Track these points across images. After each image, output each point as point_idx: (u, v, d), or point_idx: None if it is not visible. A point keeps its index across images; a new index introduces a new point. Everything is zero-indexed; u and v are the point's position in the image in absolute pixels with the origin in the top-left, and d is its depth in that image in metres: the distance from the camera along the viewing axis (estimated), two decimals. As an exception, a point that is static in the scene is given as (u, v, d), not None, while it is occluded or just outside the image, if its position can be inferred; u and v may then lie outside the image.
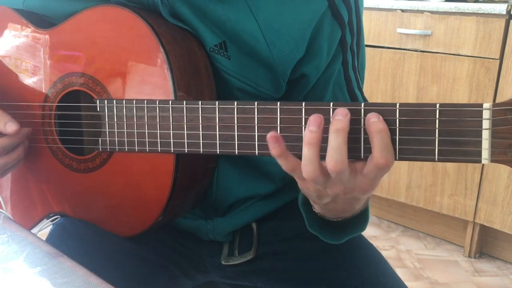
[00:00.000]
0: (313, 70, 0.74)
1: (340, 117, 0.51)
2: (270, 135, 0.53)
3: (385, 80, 2.24)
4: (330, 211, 0.63)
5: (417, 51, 2.12)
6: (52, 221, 0.81)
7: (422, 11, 2.08)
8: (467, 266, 2.10)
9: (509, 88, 1.90)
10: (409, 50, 2.15)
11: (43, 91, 0.75)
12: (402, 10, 2.15)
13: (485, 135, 0.48)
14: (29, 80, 0.76)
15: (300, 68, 0.73)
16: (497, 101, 1.93)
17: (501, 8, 1.85)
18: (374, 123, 0.51)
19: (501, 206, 2.00)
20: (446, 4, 2.01)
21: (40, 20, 0.77)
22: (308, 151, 0.53)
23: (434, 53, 2.07)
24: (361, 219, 0.67)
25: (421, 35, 2.10)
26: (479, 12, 1.92)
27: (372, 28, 2.23)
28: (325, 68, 0.75)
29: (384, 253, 0.78)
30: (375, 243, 2.22)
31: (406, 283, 0.76)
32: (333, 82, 0.77)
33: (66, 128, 0.75)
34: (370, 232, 2.33)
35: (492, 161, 0.49)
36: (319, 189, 0.57)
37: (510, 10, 1.85)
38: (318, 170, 0.53)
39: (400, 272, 2.03)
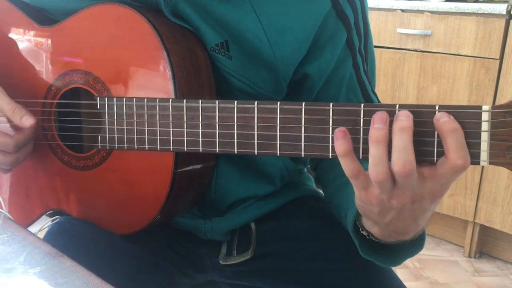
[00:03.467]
0: (316, 70, 0.73)
1: (403, 118, 0.49)
2: (338, 129, 0.50)
3: (385, 80, 2.24)
4: (391, 233, 0.58)
5: (417, 51, 2.12)
6: (53, 220, 0.81)
7: (422, 11, 2.08)
8: (467, 266, 2.10)
9: (509, 88, 1.90)
10: (409, 50, 2.15)
11: (44, 87, 0.75)
12: (402, 10, 2.15)
13: (484, 137, 0.48)
14: (30, 77, 0.76)
15: (302, 68, 0.73)
16: (497, 101, 1.93)
17: (501, 8, 1.85)
18: (446, 122, 0.48)
19: (501, 206, 2.00)
20: (446, 4, 2.01)
21: (42, 17, 0.78)
22: (376, 150, 0.49)
23: (434, 53, 2.07)
24: (420, 239, 0.61)
25: (421, 35, 2.10)
26: (479, 12, 1.92)
27: (372, 28, 2.22)
28: (332, 70, 0.74)
29: (383, 253, 0.78)
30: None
31: (406, 283, 0.75)
32: (346, 87, 0.76)
33: (66, 125, 0.75)
34: (370, 232, 2.33)
35: (490, 163, 0.48)
36: (383, 201, 0.52)
37: (510, 10, 1.85)
38: (389, 171, 0.50)
39: (400, 272, 2.03)
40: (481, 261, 2.14)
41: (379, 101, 0.79)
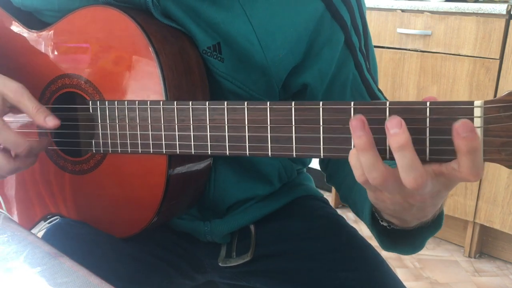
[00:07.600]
0: (315, 76, 0.72)
1: (396, 130, 0.45)
2: (354, 118, 0.45)
3: (385, 80, 2.24)
4: (412, 220, 0.56)
5: (417, 51, 2.12)
6: (51, 222, 0.81)
7: (422, 11, 2.08)
8: (467, 266, 2.10)
9: (509, 88, 1.90)
10: (409, 50, 2.15)
11: (37, 93, 0.75)
12: (402, 10, 2.15)
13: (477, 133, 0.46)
14: (23, 83, 0.76)
15: (300, 76, 0.72)
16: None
17: (501, 8, 1.85)
18: (467, 139, 0.43)
19: (501, 206, 2.00)
20: (446, 4, 2.01)
21: (33, 21, 0.77)
22: (364, 157, 0.46)
23: (434, 53, 2.07)
24: (440, 215, 0.59)
25: (421, 35, 2.10)
26: (479, 12, 1.92)
27: (372, 28, 2.23)
28: (333, 74, 0.73)
29: (383, 253, 0.78)
30: (374, 243, 2.21)
31: (406, 283, 0.75)
32: (350, 88, 0.75)
33: (60, 130, 0.75)
34: (369, 233, 2.33)
35: (485, 160, 0.47)
36: (399, 201, 0.50)
37: (510, 10, 1.85)
38: (386, 174, 0.47)
39: (400, 272, 2.03)
40: (481, 261, 2.14)
41: (385, 98, 0.76)
